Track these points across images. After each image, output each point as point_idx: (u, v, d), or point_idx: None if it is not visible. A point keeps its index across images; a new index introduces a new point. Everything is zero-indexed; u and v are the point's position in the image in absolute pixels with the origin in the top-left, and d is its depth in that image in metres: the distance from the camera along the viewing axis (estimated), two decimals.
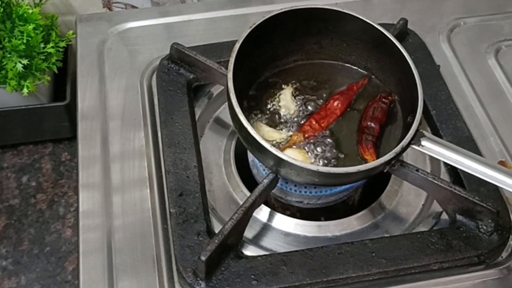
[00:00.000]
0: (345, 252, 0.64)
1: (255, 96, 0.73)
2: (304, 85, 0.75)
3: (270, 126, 0.70)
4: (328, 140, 0.70)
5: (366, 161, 0.67)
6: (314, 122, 0.70)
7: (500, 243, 0.66)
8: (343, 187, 0.73)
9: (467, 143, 0.74)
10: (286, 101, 0.73)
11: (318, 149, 0.69)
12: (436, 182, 0.66)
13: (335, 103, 0.72)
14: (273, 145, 0.61)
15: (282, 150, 0.67)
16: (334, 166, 0.67)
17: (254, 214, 0.68)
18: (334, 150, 0.69)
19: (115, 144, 0.75)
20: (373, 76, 0.76)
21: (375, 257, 0.64)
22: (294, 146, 0.69)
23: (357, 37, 0.73)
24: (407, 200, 0.74)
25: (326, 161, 0.68)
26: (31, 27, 0.81)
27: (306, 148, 0.69)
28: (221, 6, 0.92)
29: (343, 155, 0.68)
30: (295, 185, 0.72)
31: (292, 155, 0.64)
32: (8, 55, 0.82)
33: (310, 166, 0.60)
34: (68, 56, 0.93)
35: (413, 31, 0.87)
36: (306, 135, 0.70)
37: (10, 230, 0.85)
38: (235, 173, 0.76)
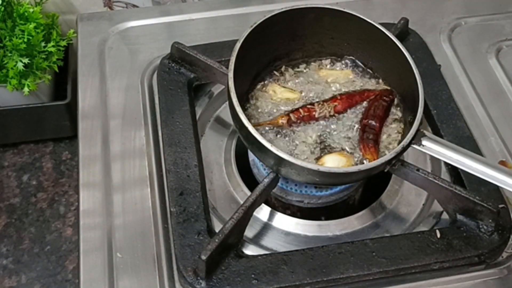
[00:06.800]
0: (346, 252, 0.64)
1: (255, 95, 0.73)
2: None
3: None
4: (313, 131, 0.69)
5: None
6: (302, 113, 0.70)
7: (500, 243, 0.66)
8: (344, 186, 0.73)
9: (467, 143, 0.74)
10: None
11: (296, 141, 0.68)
12: (436, 181, 0.66)
13: (335, 103, 0.71)
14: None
15: (261, 124, 0.68)
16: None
17: (254, 213, 0.68)
18: (312, 144, 0.68)
19: (116, 143, 0.75)
20: (380, 80, 0.75)
21: (376, 257, 0.64)
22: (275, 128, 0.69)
23: (358, 36, 0.73)
24: (407, 200, 0.74)
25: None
26: (32, 26, 0.81)
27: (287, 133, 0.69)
28: (222, 5, 0.92)
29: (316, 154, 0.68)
30: (296, 185, 0.72)
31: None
32: (9, 54, 0.82)
33: (310, 166, 0.60)
34: (68, 55, 0.93)
35: (414, 31, 0.87)
36: (289, 122, 0.69)
37: (11, 229, 0.85)
38: (236, 172, 0.76)
